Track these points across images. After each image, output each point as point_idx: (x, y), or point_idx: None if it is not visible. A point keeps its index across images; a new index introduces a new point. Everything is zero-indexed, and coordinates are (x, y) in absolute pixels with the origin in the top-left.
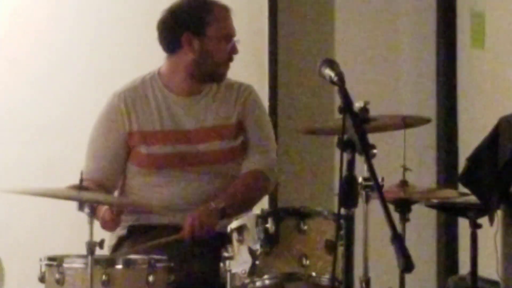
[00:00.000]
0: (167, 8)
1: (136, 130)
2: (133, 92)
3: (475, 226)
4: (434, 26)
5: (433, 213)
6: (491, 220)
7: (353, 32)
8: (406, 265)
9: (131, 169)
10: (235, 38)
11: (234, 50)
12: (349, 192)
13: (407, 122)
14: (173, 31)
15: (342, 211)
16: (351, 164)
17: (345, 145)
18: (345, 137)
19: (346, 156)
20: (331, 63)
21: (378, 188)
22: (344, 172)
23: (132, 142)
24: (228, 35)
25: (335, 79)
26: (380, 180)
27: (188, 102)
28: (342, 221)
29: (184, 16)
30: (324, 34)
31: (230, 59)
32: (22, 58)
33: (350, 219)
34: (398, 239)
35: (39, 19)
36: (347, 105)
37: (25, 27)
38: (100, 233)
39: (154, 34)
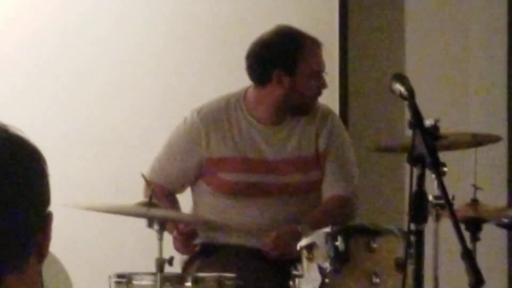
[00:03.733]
0: (258, 41)
1: (216, 156)
2: (217, 114)
3: None
4: (505, 44)
5: (504, 232)
6: None
7: (423, 49)
8: (477, 281)
9: (207, 190)
10: (325, 72)
11: (323, 85)
12: (419, 208)
13: (478, 140)
14: (264, 66)
15: (412, 226)
16: (421, 179)
17: (415, 160)
18: (415, 152)
19: (416, 172)
20: (402, 78)
21: (449, 203)
22: (414, 188)
23: (211, 167)
24: (318, 72)
25: (405, 94)
26: (450, 198)
27: (271, 131)
28: (412, 237)
29: (275, 53)
30: (394, 52)
31: (318, 93)
32: (87, 73)
33: (420, 235)
34: (468, 255)
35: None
36: (417, 120)
37: (90, 46)
38: (169, 250)
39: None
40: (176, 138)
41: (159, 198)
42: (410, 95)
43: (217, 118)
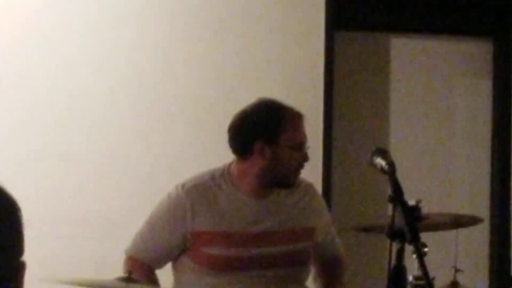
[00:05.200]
0: (240, 113)
1: (201, 230)
2: (202, 188)
3: None
4: (490, 125)
5: None
6: None
7: (407, 129)
8: None
9: (190, 266)
10: (307, 145)
11: (305, 158)
12: (398, 282)
13: (460, 221)
14: (245, 138)
15: None
16: (400, 254)
17: (395, 235)
18: (395, 226)
19: (395, 246)
20: (383, 152)
21: (429, 282)
22: (393, 262)
23: (195, 241)
24: (300, 144)
25: (386, 168)
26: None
27: (258, 204)
28: None
29: (257, 125)
30: (378, 129)
31: (300, 166)
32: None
33: None
34: None
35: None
36: (397, 194)
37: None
38: None
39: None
40: (160, 213)
41: (139, 274)
42: (391, 169)
43: (202, 192)
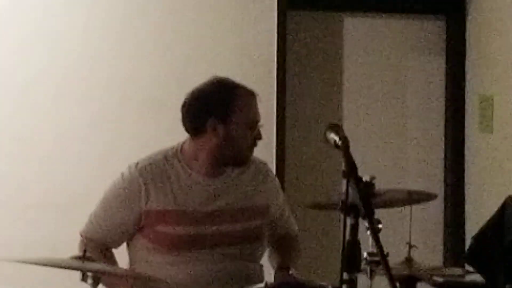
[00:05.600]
0: (192, 92)
1: (154, 208)
2: (155, 167)
3: None
4: (443, 100)
5: None
6: None
7: (361, 106)
8: None
9: (144, 245)
10: (260, 124)
11: (258, 136)
12: (352, 257)
13: (413, 198)
14: (198, 116)
15: (345, 276)
16: (354, 228)
17: (348, 210)
18: (349, 201)
19: (349, 221)
20: (336, 128)
21: (382, 254)
22: (347, 237)
23: (149, 220)
24: (253, 122)
25: (339, 143)
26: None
27: (211, 183)
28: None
29: (210, 102)
30: (332, 108)
31: (253, 144)
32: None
33: (352, 284)
34: None
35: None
36: (350, 169)
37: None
38: None
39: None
40: (114, 193)
41: (94, 254)
42: (344, 144)
43: (155, 171)
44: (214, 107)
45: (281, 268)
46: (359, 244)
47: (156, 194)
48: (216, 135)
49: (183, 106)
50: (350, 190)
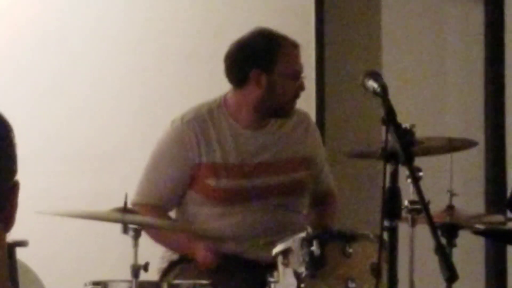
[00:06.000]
0: (235, 42)
1: (205, 162)
2: (201, 120)
3: None
4: (482, 48)
5: (481, 240)
6: None
7: (399, 54)
8: (450, 274)
9: (195, 198)
10: (303, 75)
11: (301, 87)
12: (392, 204)
13: (454, 145)
14: (242, 66)
15: (386, 222)
16: (394, 176)
17: (388, 156)
18: (388, 148)
19: (389, 168)
20: (375, 75)
21: (423, 201)
22: (388, 184)
23: (200, 173)
24: (296, 73)
25: (378, 90)
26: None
27: (256, 135)
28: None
29: (253, 52)
30: (371, 57)
31: (296, 96)
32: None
33: (393, 232)
34: (442, 250)
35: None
36: (390, 117)
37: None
38: (145, 257)
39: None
40: (163, 150)
41: (152, 216)
42: (383, 91)
43: (202, 124)
44: (258, 58)
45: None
46: (400, 190)
47: (203, 147)
48: (259, 86)
49: (226, 56)
50: (389, 137)
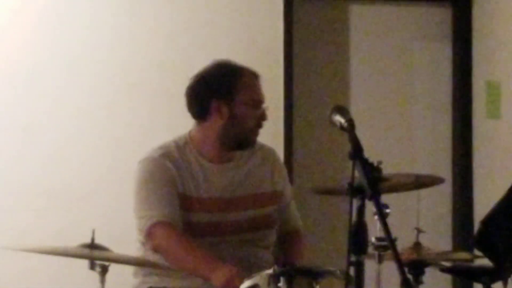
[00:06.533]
0: (195, 75)
1: (181, 192)
2: (172, 156)
3: None
4: (450, 84)
5: (448, 277)
6: (505, 285)
7: (369, 91)
8: None
9: None
10: (264, 105)
11: (263, 117)
12: (359, 238)
13: (421, 182)
14: (202, 98)
15: (352, 257)
16: (360, 210)
17: (355, 191)
18: (355, 183)
19: (355, 202)
20: (342, 110)
21: (389, 236)
22: (354, 219)
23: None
24: (256, 102)
25: (345, 124)
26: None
27: (223, 170)
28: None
29: (213, 83)
30: (339, 93)
31: (259, 125)
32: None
33: (360, 266)
34: (408, 285)
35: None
36: (357, 151)
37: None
38: None
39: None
40: (150, 175)
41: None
42: (350, 126)
43: (172, 159)
44: (217, 89)
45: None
46: (366, 225)
47: (180, 178)
48: (221, 116)
49: (187, 90)
50: (356, 172)
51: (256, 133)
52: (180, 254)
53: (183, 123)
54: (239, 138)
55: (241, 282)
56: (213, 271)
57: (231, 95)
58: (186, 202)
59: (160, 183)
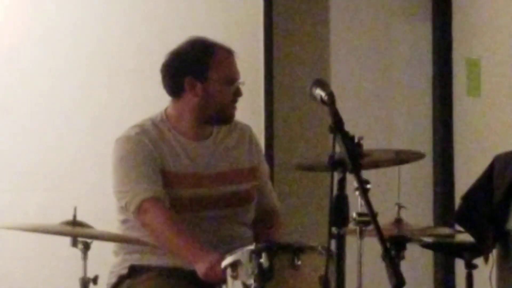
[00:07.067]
0: (169, 52)
1: (160, 168)
2: (149, 134)
3: (470, 267)
4: (430, 59)
5: (430, 253)
6: (486, 260)
7: (349, 67)
8: (397, 281)
9: None
10: (240, 81)
11: (238, 93)
12: (340, 211)
13: (401, 158)
14: (176, 75)
15: (334, 230)
16: (341, 183)
17: (336, 164)
18: (336, 156)
19: (336, 176)
20: (322, 84)
21: (370, 208)
22: (335, 192)
23: None
24: (230, 79)
25: (326, 98)
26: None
27: (200, 146)
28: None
29: (186, 60)
30: (319, 68)
31: (234, 101)
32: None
33: (341, 239)
34: (389, 256)
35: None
36: (337, 124)
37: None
38: (94, 269)
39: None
40: (128, 152)
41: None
42: (331, 99)
43: (150, 137)
44: (191, 66)
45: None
46: (347, 198)
47: (158, 154)
48: (195, 94)
49: (161, 67)
50: (337, 146)
51: (231, 109)
52: (167, 234)
53: (162, 102)
54: (215, 115)
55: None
56: (197, 258)
57: (204, 72)
58: (165, 178)
59: (140, 160)
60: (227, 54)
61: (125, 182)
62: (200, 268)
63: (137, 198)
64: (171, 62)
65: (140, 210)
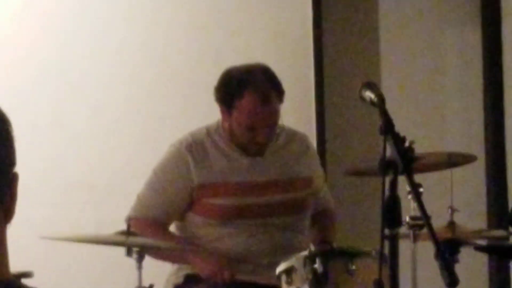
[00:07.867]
0: (224, 71)
1: (206, 182)
2: (200, 143)
3: None
4: (481, 61)
5: (484, 256)
6: None
7: (399, 70)
8: (451, 279)
9: (196, 219)
10: (280, 123)
11: (258, 139)
12: (392, 212)
13: (454, 161)
14: (216, 97)
15: (386, 231)
16: (393, 184)
17: (387, 166)
18: (387, 158)
19: (388, 178)
20: (372, 86)
21: (423, 211)
22: (387, 193)
23: (199, 194)
24: (250, 127)
25: (375, 100)
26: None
27: (252, 161)
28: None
29: (220, 89)
30: (370, 72)
31: (255, 143)
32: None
33: (394, 240)
34: (442, 256)
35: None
36: (388, 126)
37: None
38: (149, 279)
39: None
40: (163, 170)
41: (150, 231)
42: (381, 101)
43: (200, 147)
44: (221, 96)
45: (323, 242)
46: (399, 199)
47: (204, 168)
48: (224, 118)
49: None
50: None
51: (252, 146)
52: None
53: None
54: (245, 143)
55: (231, 273)
56: (196, 257)
57: (229, 108)
58: (215, 189)
59: (167, 184)
60: (256, 102)
61: (143, 189)
62: (203, 269)
63: (132, 211)
64: (217, 83)
65: (128, 220)
